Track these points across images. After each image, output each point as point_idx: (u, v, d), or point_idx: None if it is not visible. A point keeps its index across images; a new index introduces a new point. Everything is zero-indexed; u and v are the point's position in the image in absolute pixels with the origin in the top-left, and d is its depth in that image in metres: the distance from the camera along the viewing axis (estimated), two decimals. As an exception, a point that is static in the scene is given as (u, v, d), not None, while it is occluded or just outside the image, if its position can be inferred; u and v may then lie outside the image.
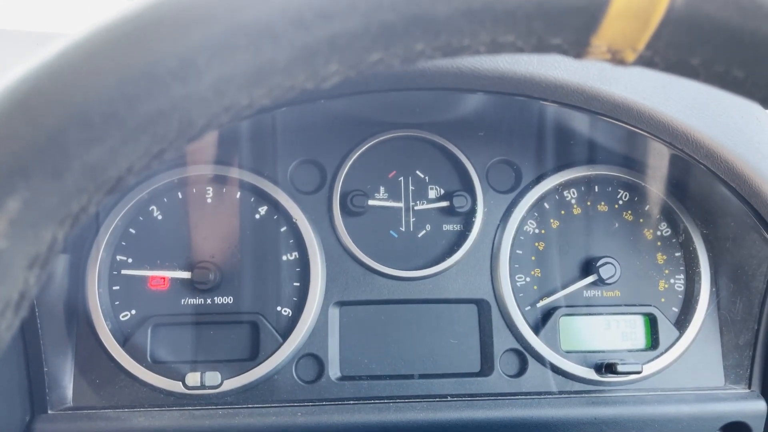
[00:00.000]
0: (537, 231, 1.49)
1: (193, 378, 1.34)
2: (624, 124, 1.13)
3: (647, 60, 0.56)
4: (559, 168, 1.49)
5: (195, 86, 0.50)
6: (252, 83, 0.52)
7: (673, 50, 0.55)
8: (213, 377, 1.35)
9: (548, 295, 1.46)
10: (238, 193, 1.43)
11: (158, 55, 0.48)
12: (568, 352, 1.44)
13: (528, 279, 1.47)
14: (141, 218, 1.41)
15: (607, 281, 1.43)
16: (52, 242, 0.48)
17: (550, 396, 1.38)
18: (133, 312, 1.39)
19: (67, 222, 0.49)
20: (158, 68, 0.48)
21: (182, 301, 1.39)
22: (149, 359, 1.36)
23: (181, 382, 1.34)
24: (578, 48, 0.55)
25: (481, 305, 1.45)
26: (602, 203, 1.50)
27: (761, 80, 0.56)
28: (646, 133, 1.14)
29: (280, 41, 0.50)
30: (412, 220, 1.47)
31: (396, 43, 0.53)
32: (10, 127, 0.45)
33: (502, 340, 1.43)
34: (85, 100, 0.47)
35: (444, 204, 1.47)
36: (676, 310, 1.49)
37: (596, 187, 1.51)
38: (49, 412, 1.27)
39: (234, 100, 0.52)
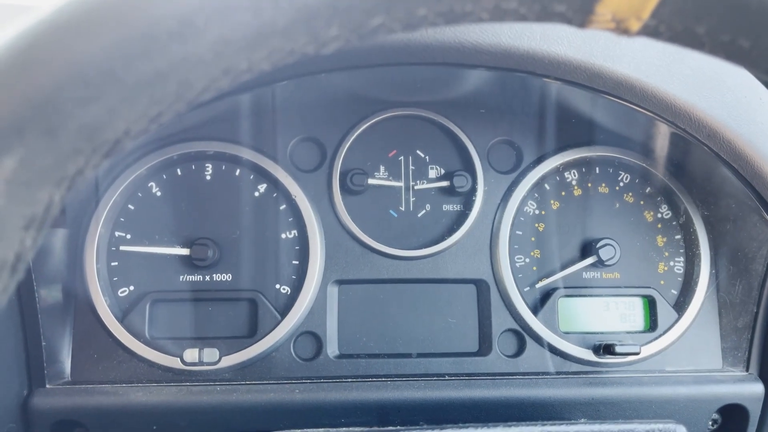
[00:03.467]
0: (537, 212, 1.48)
1: (191, 354, 1.34)
2: (626, 103, 1.12)
3: (652, 29, 0.55)
4: (561, 149, 1.48)
5: (194, 47, 0.49)
6: (251, 45, 0.51)
7: (679, 18, 0.54)
8: (211, 354, 1.35)
9: (547, 276, 1.46)
10: (238, 171, 1.43)
11: (157, 14, 0.47)
12: (566, 333, 1.44)
13: (527, 260, 1.47)
14: (140, 194, 1.41)
15: (606, 263, 1.43)
16: (48, 203, 0.48)
17: (547, 376, 1.38)
18: (132, 288, 1.39)
19: (64, 184, 0.48)
20: (157, 28, 0.47)
21: (181, 277, 1.39)
22: (147, 335, 1.36)
23: (179, 358, 1.34)
24: (582, 16, 0.54)
25: (480, 285, 1.45)
26: (603, 184, 1.50)
27: (767, 50, 0.55)
28: (648, 113, 1.13)
29: (281, 2, 0.49)
30: (411, 199, 1.47)
31: (398, 7, 0.52)
32: (5, 83, 0.45)
33: (500, 321, 1.43)
34: (82, 58, 0.46)
35: (444, 184, 1.46)
36: (675, 292, 1.49)
37: (597, 169, 1.50)
38: (47, 386, 1.27)
39: (233, 62, 0.51)
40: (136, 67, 0.47)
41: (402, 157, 1.47)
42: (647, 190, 1.50)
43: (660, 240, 1.49)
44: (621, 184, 1.50)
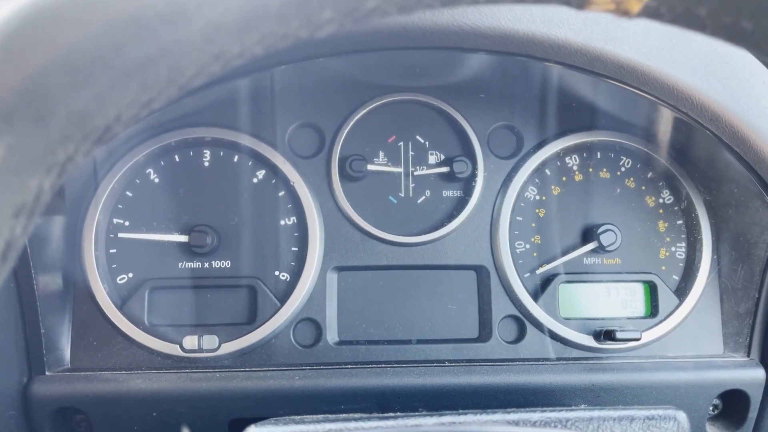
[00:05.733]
0: (538, 197, 1.47)
1: (190, 341, 1.34)
2: (628, 87, 1.11)
3: (653, 11, 0.54)
4: (561, 133, 1.47)
5: (184, 32, 0.48)
6: (243, 30, 0.50)
7: (680, -1, 0.53)
8: (210, 341, 1.35)
9: (548, 262, 1.45)
10: (236, 157, 1.42)
11: (146, -2, 0.46)
12: (566, 319, 1.44)
13: (528, 246, 1.46)
14: (138, 181, 1.40)
15: (607, 248, 1.43)
16: (38, 191, 0.47)
17: (548, 362, 1.37)
18: (130, 275, 1.38)
19: (54, 171, 0.48)
20: (146, 12, 0.46)
21: (180, 264, 1.39)
22: (147, 322, 1.36)
23: (178, 346, 1.34)
24: (581, -3, 0.53)
25: (480, 271, 1.44)
26: (604, 170, 1.48)
27: (771, 32, 0.54)
28: (650, 97, 1.12)
29: (272, -16, 0.48)
30: (411, 185, 1.46)
31: (392, -11, 0.51)
32: (-8, 70, 0.44)
33: (500, 307, 1.42)
34: (71, 43, 0.45)
35: (444, 169, 1.45)
36: (676, 278, 1.48)
37: (598, 154, 1.49)
38: (47, 373, 1.27)
39: (225, 47, 0.50)
40: (126, 53, 0.46)
41: (401, 143, 1.46)
42: (649, 175, 1.49)
43: (661, 225, 1.49)
44: (622, 169, 1.49)
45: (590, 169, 1.49)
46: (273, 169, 1.41)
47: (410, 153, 1.46)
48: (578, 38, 1.04)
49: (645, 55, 1.07)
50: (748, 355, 1.40)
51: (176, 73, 0.49)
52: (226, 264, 1.39)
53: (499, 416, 1.03)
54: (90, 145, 0.49)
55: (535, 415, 1.02)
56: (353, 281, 1.42)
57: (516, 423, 1.01)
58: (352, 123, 1.43)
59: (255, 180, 1.42)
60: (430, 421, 1.01)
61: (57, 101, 0.45)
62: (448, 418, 1.01)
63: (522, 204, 1.46)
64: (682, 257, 1.48)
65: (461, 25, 0.99)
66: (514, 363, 1.36)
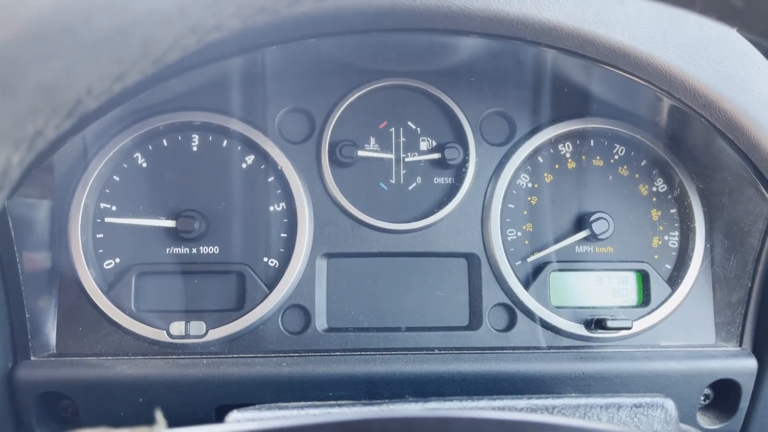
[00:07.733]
0: (530, 185, 1.46)
1: (177, 327, 1.33)
2: (620, 72, 1.09)
3: (642, -13, 0.53)
4: (554, 120, 1.45)
5: (157, 2, 0.47)
6: (218, 0, 0.49)
7: (669, -25, 0.51)
8: (198, 327, 1.34)
9: (539, 250, 1.44)
10: (225, 142, 1.40)
11: (116, -35, 0.45)
12: (558, 307, 1.43)
13: (519, 233, 1.45)
14: (125, 165, 1.38)
15: (599, 237, 1.41)
16: (6, 166, 0.46)
17: (538, 351, 1.37)
18: (117, 260, 1.37)
19: (23, 145, 0.46)
20: (116, -20, 0.45)
21: (167, 250, 1.37)
22: (133, 308, 1.35)
23: (165, 331, 1.33)
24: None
25: (470, 259, 1.43)
26: (597, 157, 1.47)
27: (761, 10, 0.53)
28: (643, 81, 1.10)
29: (248, -47, 0.47)
30: (402, 172, 1.44)
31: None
32: (-46, 38, 0.42)
33: (491, 295, 1.41)
34: (38, 12, 0.44)
35: (435, 156, 1.44)
36: (669, 267, 1.47)
37: (592, 141, 1.47)
38: (32, 358, 1.26)
39: (200, 19, 0.49)
40: (95, 23, 0.45)
41: (392, 129, 1.45)
42: (642, 163, 1.48)
43: (654, 214, 1.47)
44: (616, 156, 1.48)
45: (583, 157, 1.47)
46: (262, 155, 1.40)
47: (401, 139, 1.44)
48: (570, 21, 1.02)
49: (637, 39, 1.05)
50: (740, 345, 1.39)
51: (149, 46, 0.48)
52: (214, 250, 1.38)
53: (484, 402, 1.02)
54: (60, 119, 0.47)
55: (522, 402, 1.01)
56: (343, 268, 1.41)
57: (501, 410, 1.01)
58: (342, 108, 1.42)
59: (244, 165, 1.40)
60: (415, 407, 1.00)
61: (24, 71, 0.44)
62: (433, 404, 1.00)
63: (514, 191, 1.45)
64: (675, 246, 1.47)
65: (450, 5, 0.97)
66: (505, 351, 1.35)
